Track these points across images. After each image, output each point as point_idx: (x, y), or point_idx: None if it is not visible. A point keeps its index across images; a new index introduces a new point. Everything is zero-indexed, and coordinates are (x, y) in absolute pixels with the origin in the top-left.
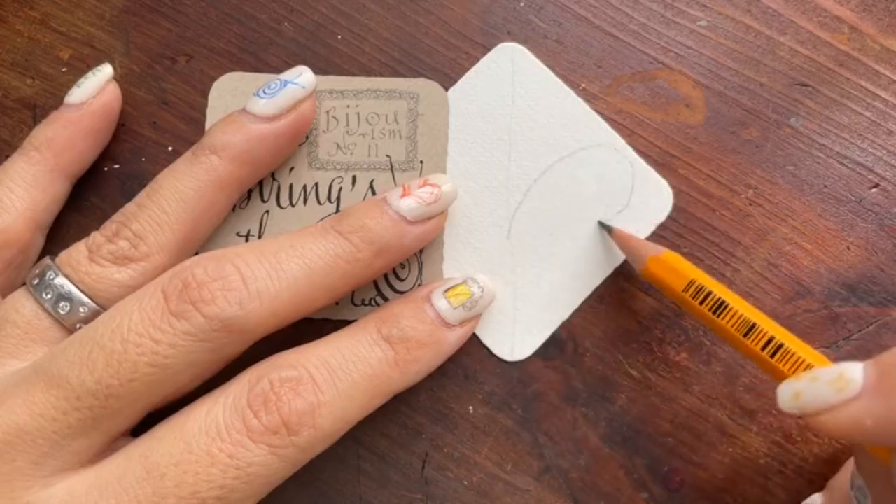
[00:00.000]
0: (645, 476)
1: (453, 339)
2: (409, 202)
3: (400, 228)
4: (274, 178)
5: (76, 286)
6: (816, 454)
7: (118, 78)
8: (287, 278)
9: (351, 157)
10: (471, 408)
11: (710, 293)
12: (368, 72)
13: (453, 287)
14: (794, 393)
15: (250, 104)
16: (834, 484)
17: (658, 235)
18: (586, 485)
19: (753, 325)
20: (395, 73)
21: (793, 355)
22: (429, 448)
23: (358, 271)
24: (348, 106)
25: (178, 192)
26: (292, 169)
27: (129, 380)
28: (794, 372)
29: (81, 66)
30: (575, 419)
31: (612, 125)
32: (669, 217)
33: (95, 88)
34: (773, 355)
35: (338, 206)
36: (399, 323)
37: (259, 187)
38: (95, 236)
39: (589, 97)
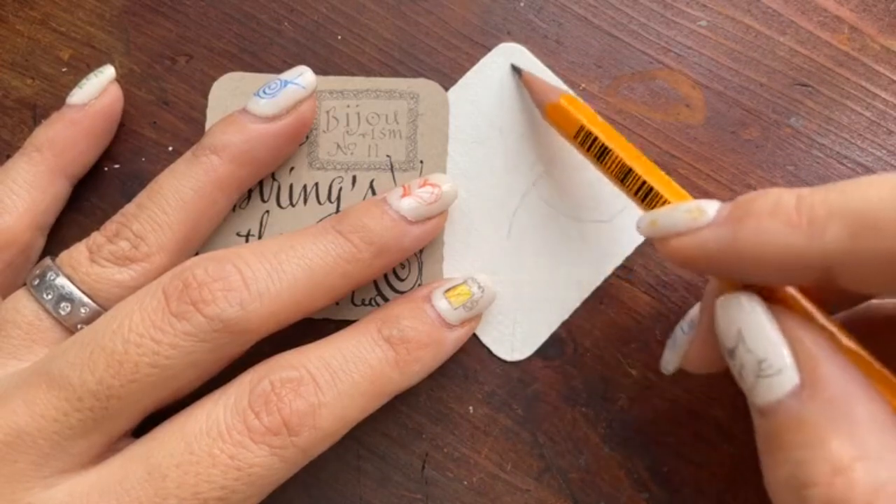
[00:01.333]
0: (645, 476)
1: (454, 339)
2: (410, 202)
3: (400, 228)
4: (274, 178)
5: (77, 287)
6: None
7: (118, 78)
8: (287, 278)
9: (351, 157)
10: (471, 408)
11: (596, 138)
12: (368, 72)
13: (453, 287)
14: (651, 220)
15: (250, 104)
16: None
17: None
18: (586, 485)
19: (630, 171)
20: (395, 73)
21: (662, 199)
22: (429, 448)
23: (358, 271)
24: (348, 106)
25: (178, 192)
26: (292, 169)
27: (130, 380)
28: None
29: (81, 66)
30: (575, 419)
31: (612, 125)
32: None
33: (97, 89)
34: (643, 199)
35: (338, 206)
36: (399, 323)
37: (259, 187)
38: (96, 237)
39: (589, 97)
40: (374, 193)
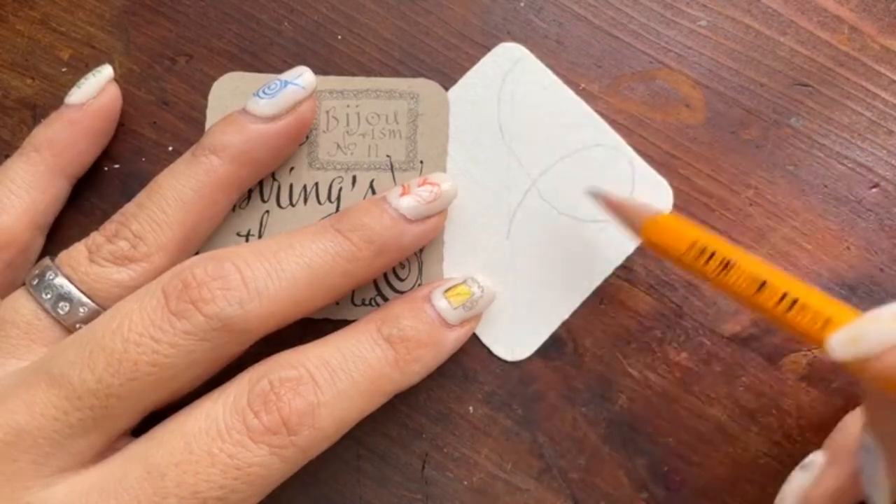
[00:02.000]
0: (645, 476)
1: (453, 338)
2: (409, 201)
3: (400, 227)
4: (274, 178)
5: (76, 286)
6: None
7: (118, 78)
8: (287, 277)
9: (351, 157)
10: (471, 408)
11: (714, 252)
12: (368, 72)
13: (453, 287)
14: (852, 338)
15: (250, 104)
16: (831, 444)
17: None
18: (586, 485)
19: (765, 283)
20: (395, 73)
21: (810, 309)
22: (429, 448)
23: (358, 270)
24: (348, 106)
25: (177, 192)
26: (292, 169)
27: (129, 379)
28: (814, 326)
29: (81, 66)
30: (575, 419)
31: (612, 125)
32: None
33: (96, 89)
34: (789, 310)
35: (338, 205)
36: (399, 323)
37: (259, 187)
38: (95, 236)
39: (589, 97)
40: (374, 193)
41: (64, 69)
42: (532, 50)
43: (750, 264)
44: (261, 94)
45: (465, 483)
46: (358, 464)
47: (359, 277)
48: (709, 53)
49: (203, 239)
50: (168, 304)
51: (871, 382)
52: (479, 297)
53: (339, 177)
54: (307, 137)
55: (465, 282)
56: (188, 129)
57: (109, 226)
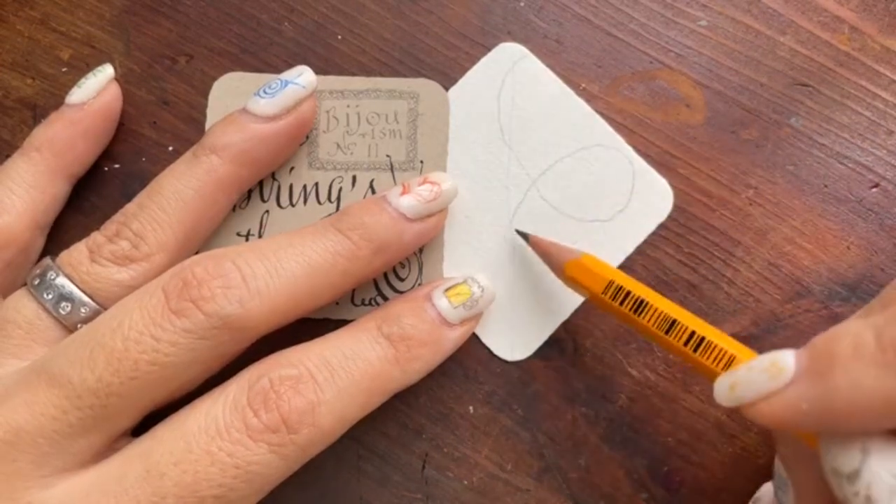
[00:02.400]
0: (645, 476)
1: (454, 338)
2: (409, 200)
3: (400, 226)
4: (274, 178)
5: (77, 286)
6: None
7: (118, 78)
8: (287, 276)
9: (351, 157)
10: (471, 408)
11: (629, 293)
12: (368, 72)
13: (454, 286)
14: (730, 385)
15: (251, 104)
16: (777, 471)
17: (658, 235)
18: (586, 485)
19: (674, 322)
20: (395, 73)
21: (715, 347)
22: (429, 448)
23: (358, 269)
24: (348, 106)
25: (178, 192)
26: (292, 169)
27: (130, 378)
28: (718, 365)
29: (81, 66)
30: (575, 419)
31: (612, 125)
32: (669, 217)
33: (96, 89)
34: (696, 349)
35: (338, 205)
36: (400, 321)
37: (259, 187)
38: (96, 236)
39: (589, 97)
40: (374, 193)
41: (64, 69)
42: (532, 50)
43: (662, 305)
44: (261, 93)
45: (465, 483)
46: (358, 464)
47: (359, 276)
48: (709, 53)
49: (204, 238)
50: (168, 302)
51: (754, 422)
52: (480, 297)
53: (339, 177)
54: (307, 137)
55: (465, 281)
56: (188, 129)
57: (110, 226)
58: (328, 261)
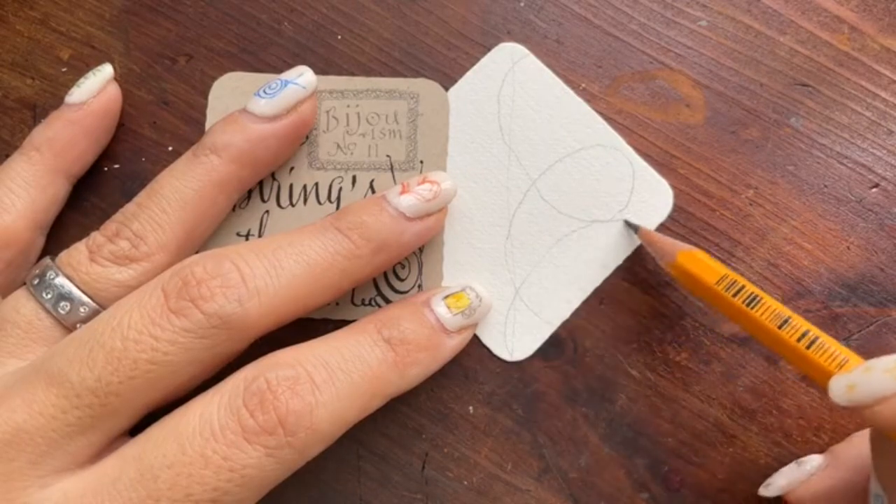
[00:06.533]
0: (645, 476)
1: (451, 345)
2: (409, 199)
3: (399, 225)
4: (274, 178)
5: (77, 286)
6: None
7: (118, 78)
8: (286, 275)
9: (351, 157)
10: (471, 408)
11: (743, 287)
12: (368, 72)
13: (452, 294)
14: (848, 385)
15: (251, 104)
16: (837, 451)
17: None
18: (586, 485)
19: (788, 319)
20: (395, 73)
21: (829, 348)
22: (429, 448)
23: (357, 268)
24: (348, 106)
25: (178, 192)
26: (292, 169)
27: (129, 377)
28: (832, 364)
29: (81, 66)
30: (575, 419)
31: (612, 125)
32: (669, 217)
33: (96, 88)
34: (808, 347)
35: (338, 205)
36: (400, 325)
37: (259, 187)
38: (96, 236)
39: (589, 97)
40: (374, 193)
41: (64, 69)
42: (532, 50)
43: (774, 302)
44: (262, 93)
45: (465, 483)
46: (358, 464)
47: (358, 275)
48: (709, 53)
49: (203, 238)
50: (168, 302)
51: (872, 427)
52: (478, 306)
53: (339, 177)
54: (307, 137)
55: (463, 290)
56: (188, 129)
57: (110, 225)
58: (327, 260)
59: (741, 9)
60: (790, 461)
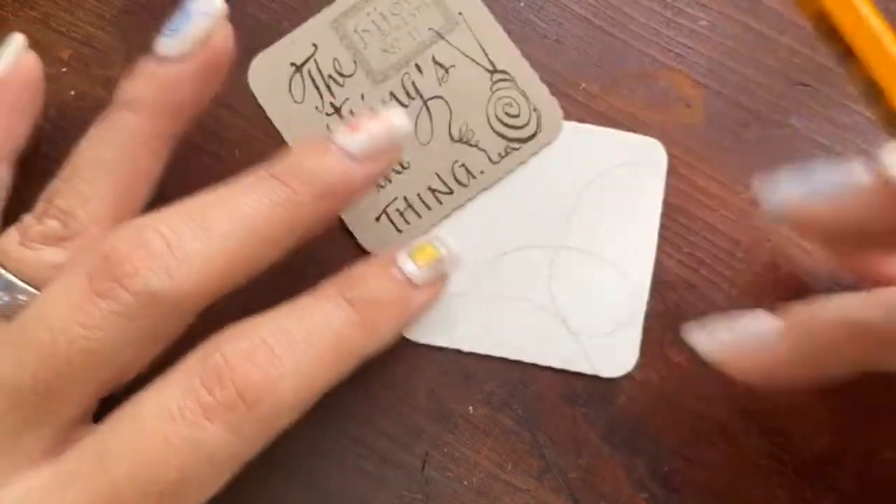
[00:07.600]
0: (645, 476)
1: (421, 300)
2: (355, 137)
3: (344, 166)
4: (352, 112)
5: (11, 274)
6: (816, 454)
7: (118, 78)
8: (218, 237)
9: (402, 52)
10: (471, 408)
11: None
12: None
13: (419, 247)
14: None
15: (156, 45)
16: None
17: (658, 235)
18: (586, 485)
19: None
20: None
21: None
22: (429, 448)
23: (301, 218)
24: (367, 14)
25: (98, 158)
26: (363, 96)
27: (63, 371)
28: None
29: (81, 66)
30: (575, 419)
31: (612, 125)
32: (669, 217)
33: (8, 62)
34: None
35: (421, 99)
36: (364, 284)
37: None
38: (25, 219)
39: (589, 97)
40: (441, 66)
41: (64, 69)
42: (532, 50)
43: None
44: (166, 32)
45: (465, 483)
46: (358, 464)
47: (304, 226)
48: (709, 53)
49: (141, 201)
50: (91, 284)
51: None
52: (445, 257)
53: (406, 73)
54: (354, 63)
55: (430, 241)
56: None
57: (38, 206)
58: (264, 213)
59: (741, 9)
60: (789, 461)
